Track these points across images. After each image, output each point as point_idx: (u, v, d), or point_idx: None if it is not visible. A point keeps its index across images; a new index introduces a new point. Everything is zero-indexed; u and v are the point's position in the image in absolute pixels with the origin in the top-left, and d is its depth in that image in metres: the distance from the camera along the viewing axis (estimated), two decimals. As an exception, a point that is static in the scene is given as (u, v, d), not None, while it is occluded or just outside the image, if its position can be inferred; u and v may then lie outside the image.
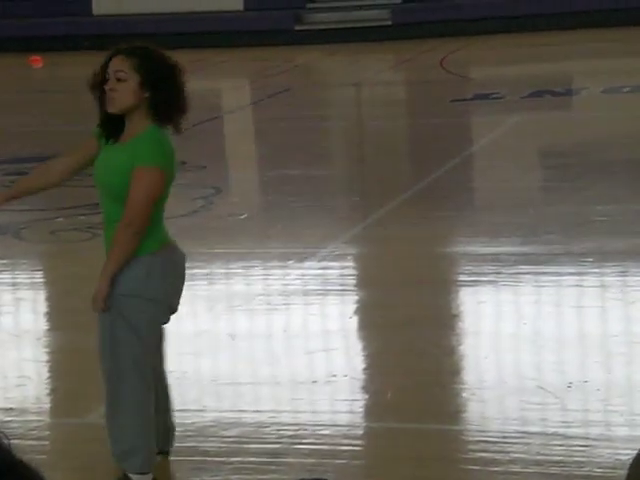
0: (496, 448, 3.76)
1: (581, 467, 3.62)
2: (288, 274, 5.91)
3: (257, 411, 4.19)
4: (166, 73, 3.30)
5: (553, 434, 3.86)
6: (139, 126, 3.29)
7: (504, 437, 3.85)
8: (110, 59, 3.31)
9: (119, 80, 3.27)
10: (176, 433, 3.68)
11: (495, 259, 5.94)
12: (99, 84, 3.31)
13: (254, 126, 11.35)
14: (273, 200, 7.79)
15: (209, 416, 4.12)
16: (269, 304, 5.45)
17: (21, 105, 11.41)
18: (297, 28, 16.42)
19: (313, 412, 4.23)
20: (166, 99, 3.28)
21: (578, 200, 7.09)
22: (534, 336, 4.90)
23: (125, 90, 3.26)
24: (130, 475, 3.43)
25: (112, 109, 3.29)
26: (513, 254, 6.03)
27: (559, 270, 5.77)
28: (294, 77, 13.70)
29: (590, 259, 5.89)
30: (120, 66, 3.28)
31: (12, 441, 0.76)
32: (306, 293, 5.58)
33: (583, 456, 3.69)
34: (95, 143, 3.41)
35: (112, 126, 3.33)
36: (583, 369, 4.52)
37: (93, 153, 3.40)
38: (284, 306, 5.41)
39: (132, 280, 3.29)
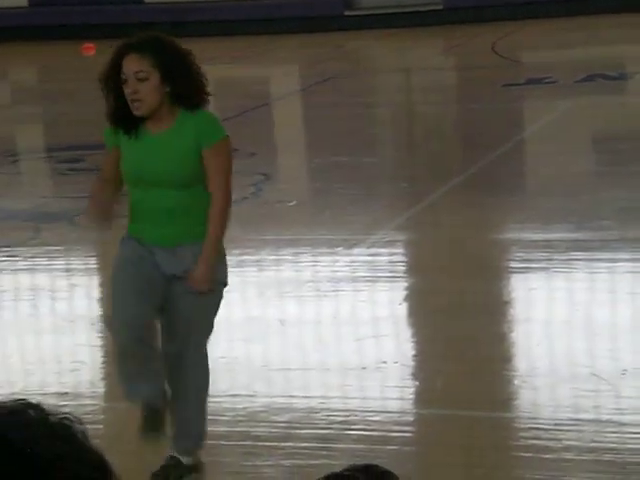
0: (548, 435, 3.73)
1: (635, 454, 3.57)
2: (337, 261, 5.91)
3: (307, 397, 4.21)
4: (182, 63, 3.22)
5: (607, 421, 3.81)
6: (171, 117, 3.24)
7: (557, 424, 3.81)
8: (121, 57, 3.20)
9: (140, 80, 3.17)
10: (227, 418, 3.71)
11: (547, 245, 5.87)
12: (113, 84, 3.21)
13: (303, 113, 11.35)
14: (322, 187, 7.79)
15: (260, 401, 4.14)
16: (318, 290, 5.46)
17: (74, 93, 11.55)
18: (347, 13, 16.37)
19: (363, 398, 4.23)
20: (188, 89, 3.21)
21: (632, 185, 6.98)
22: (587, 323, 4.84)
23: (148, 89, 3.17)
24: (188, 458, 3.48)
25: (140, 112, 3.20)
26: (566, 240, 5.96)
27: (613, 256, 5.69)
28: (344, 63, 13.65)
29: (645, 245, 5.79)
30: (138, 66, 3.17)
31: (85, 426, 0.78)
32: (355, 280, 5.58)
33: (637, 443, 3.65)
34: (115, 152, 3.33)
35: (130, 121, 3.25)
36: (637, 356, 4.45)
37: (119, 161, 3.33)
38: (333, 293, 5.41)
39: (223, 266, 3.39)
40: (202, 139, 3.22)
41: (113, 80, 3.21)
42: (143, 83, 3.17)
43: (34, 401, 0.78)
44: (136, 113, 3.21)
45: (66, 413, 0.77)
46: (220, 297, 3.40)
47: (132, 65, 3.17)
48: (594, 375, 4.19)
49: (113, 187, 3.37)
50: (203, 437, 3.47)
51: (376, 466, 1.71)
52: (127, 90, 3.18)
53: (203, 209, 3.29)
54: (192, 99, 3.24)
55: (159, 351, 3.40)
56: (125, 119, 3.25)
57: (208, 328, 3.40)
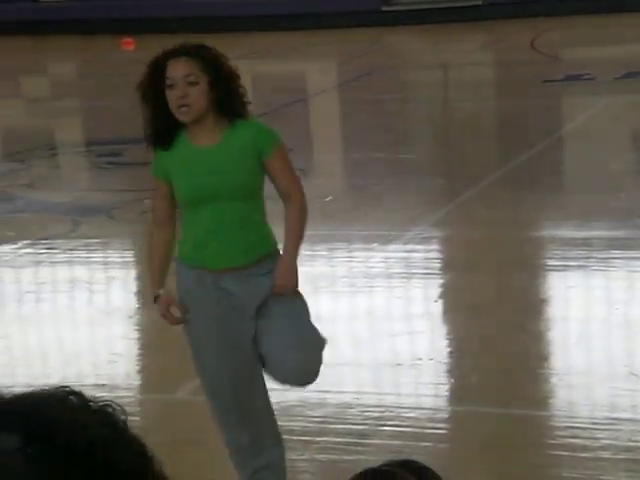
0: (585, 434, 3.70)
1: (673, 456, 3.53)
2: (372, 257, 5.90)
3: (341, 392, 4.21)
4: (228, 70, 3.12)
5: (644, 422, 3.77)
6: (217, 128, 3.11)
7: (594, 423, 3.78)
8: (164, 63, 3.06)
9: (190, 84, 3.03)
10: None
11: (585, 243, 5.82)
12: (155, 92, 3.06)
13: (340, 108, 11.34)
14: (358, 183, 7.78)
15: (294, 396, 4.15)
16: (353, 286, 5.45)
17: (113, 88, 11.64)
18: (384, 9, 16.32)
19: (398, 395, 4.23)
20: (233, 96, 3.11)
21: (673, 183, 6.89)
22: (626, 322, 4.79)
23: (198, 94, 3.04)
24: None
25: (187, 118, 3.05)
26: (604, 238, 5.90)
27: (652, 255, 5.62)
28: (381, 59, 13.62)
29: (685, 244, 5.71)
30: (188, 69, 3.04)
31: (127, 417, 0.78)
32: (390, 276, 5.57)
33: (675, 445, 3.60)
34: (165, 186, 3.16)
35: (170, 133, 3.12)
36: (676, 356, 4.40)
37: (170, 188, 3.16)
38: (368, 289, 5.40)
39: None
40: (261, 147, 3.13)
41: (153, 89, 3.08)
42: (193, 87, 3.04)
43: (75, 388, 0.79)
44: (182, 119, 3.06)
45: (107, 401, 0.78)
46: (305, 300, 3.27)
47: (181, 68, 3.05)
48: (632, 374, 4.14)
49: (170, 231, 3.19)
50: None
51: (414, 461, 1.70)
52: (175, 94, 3.04)
53: (261, 219, 3.20)
54: (237, 107, 3.13)
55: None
56: (165, 132, 3.11)
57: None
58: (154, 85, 3.09)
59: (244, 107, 3.16)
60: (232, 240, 3.14)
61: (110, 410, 0.76)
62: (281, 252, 3.23)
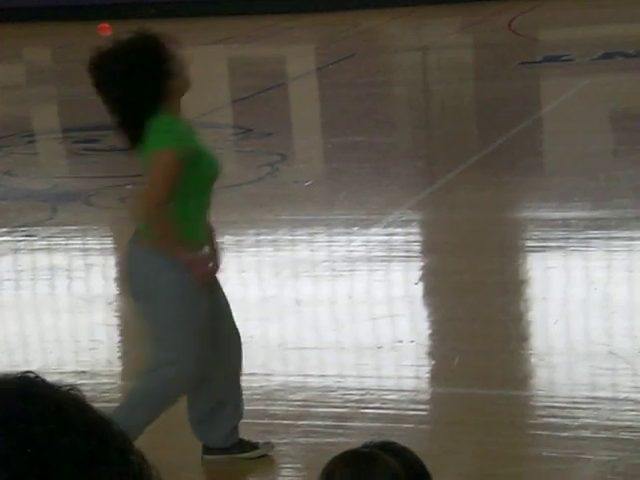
0: (565, 413, 3.72)
1: (652, 434, 3.56)
2: (353, 240, 5.90)
3: (323, 375, 4.21)
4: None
5: (624, 399, 3.80)
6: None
7: (574, 402, 3.80)
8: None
9: None
10: (244, 396, 3.72)
11: (565, 224, 5.84)
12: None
13: (319, 92, 11.31)
14: (338, 167, 7.77)
15: (276, 380, 4.15)
16: (334, 270, 5.45)
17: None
18: (362, -7, 16.26)
19: (379, 377, 4.23)
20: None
21: (651, 164, 6.92)
22: (605, 301, 4.81)
23: None
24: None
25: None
26: (583, 219, 5.92)
27: (630, 235, 5.65)
28: (360, 42, 13.59)
29: (663, 224, 5.74)
30: None
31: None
32: (371, 259, 5.57)
33: (654, 422, 3.63)
34: (183, 165, 3.27)
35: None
36: (655, 335, 4.43)
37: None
38: (349, 272, 5.41)
39: None
40: None
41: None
42: None
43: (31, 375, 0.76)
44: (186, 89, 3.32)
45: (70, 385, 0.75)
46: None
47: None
48: (611, 353, 4.17)
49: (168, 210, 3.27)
50: None
51: (394, 443, 1.70)
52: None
53: None
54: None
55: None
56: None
57: None
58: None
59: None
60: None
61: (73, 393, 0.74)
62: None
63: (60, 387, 0.75)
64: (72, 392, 0.75)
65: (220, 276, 3.48)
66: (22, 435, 0.70)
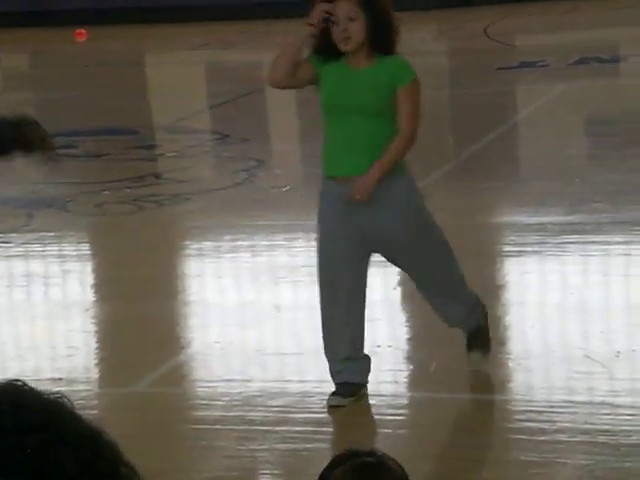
0: (543, 417, 3.74)
1: (629, 436, 3.59)
2: (332, 245, 5.90)
3: (302, 381, 4.21)
4: (382, 7, 3.87)
5: (600, 403, 3.82)
6: (369, 57, 3.87)
7: (551, 406, 3.83)
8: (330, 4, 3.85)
9: (351, 20, 3.82)
10: (222, 403, 3.71)
11: (541, 229, 5.88)
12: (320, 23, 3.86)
13: (297, 98, 11.32)
14: (315, 172, 7.77)
15: (255, 386, 4.15)
16: (313, 275, 5.46)
17: (66, 79, 11.50)
18: (339, -2, 16.32)
19: (358, 382, 4.23)
20: (386, 31, 3.87)
21: (625, 168, 6.98)
22: (581, 305, 4.85)
23: (357, 28, 3.83)
24: None
25: (348, 47, 3.84)
26: (559, 224, 5.96)
27: (606, 239, 5.70)
28: (336, 48, 13.61)
29: (637, 228, 5.80)
30: (350, 9, 3.84)
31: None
32: (350, 264, 5.57)
33: (630, 425, 3.66)
34: (311, 69, 3.90)
35: (332, 52, 3.87)
36: (631, 338, 4.47)
37: (307, 77, 3.92)
38: (328, 277, 5.40)
39: (413, 191, 4.02)
40: (397, 80, 3.86)
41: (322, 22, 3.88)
42: (353, 22, 3.82)
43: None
44: (345, 48, 3.84)
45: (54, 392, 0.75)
46: (423, 220, 4.04)
47: (344, 9, 3.84)
48: (588, 357, 4.20)
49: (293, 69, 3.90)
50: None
51: (372, 451, 1.70)
52: (339, 29, 3.83)
53: (388, 141, 3.84)
54: (388, 41, 3.88)
55: None
56: (329, 50, 3.87)
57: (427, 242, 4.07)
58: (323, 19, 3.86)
59: (393, 42, 3.93)
60: (358, 153, 3.84)
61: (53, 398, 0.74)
62: (405, 174, 3.96)
63: (49, 395, 0.75)
64: (61, 400, 0.75)
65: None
66: (16, 446, 0.70)
